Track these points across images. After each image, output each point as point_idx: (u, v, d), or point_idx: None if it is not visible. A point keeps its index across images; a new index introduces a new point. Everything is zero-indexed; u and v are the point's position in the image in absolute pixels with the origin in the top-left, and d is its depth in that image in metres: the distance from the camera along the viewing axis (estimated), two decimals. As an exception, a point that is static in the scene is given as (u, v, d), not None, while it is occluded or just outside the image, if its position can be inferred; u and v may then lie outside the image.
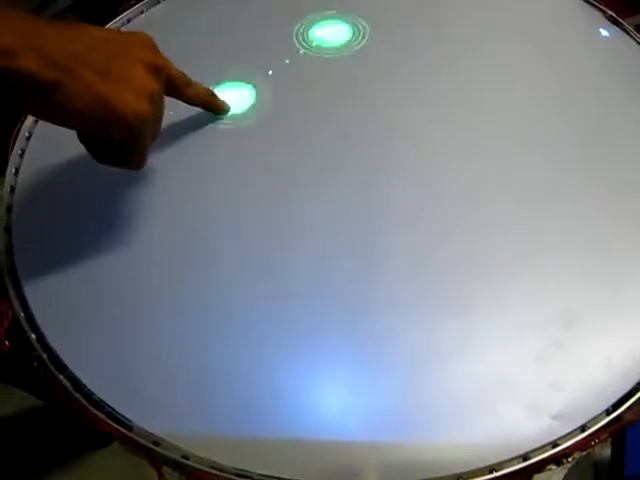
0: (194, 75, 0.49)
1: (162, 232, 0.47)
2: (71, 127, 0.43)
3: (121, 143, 0.43)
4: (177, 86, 0.48)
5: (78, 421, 0.40)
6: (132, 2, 0.60)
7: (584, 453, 0.38)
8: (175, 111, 0.51)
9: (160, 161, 0.50)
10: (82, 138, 0.45)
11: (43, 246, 0.47)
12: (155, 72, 0.44)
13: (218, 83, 0.54)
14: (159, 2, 0.61)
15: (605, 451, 0.84)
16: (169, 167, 0.50)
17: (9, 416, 0.82)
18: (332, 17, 0.58)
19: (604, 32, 0.57)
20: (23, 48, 0.39)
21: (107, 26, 0.58)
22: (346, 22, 0.58)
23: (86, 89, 0.40)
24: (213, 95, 0.52)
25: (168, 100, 0.46)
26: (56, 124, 0.42)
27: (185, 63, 0.48)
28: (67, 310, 0.44)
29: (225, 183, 0.49)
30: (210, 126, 0.52)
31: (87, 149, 0.45)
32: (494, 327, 0.42)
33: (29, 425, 0.81)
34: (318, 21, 0.58)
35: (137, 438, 0.40)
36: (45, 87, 0.40)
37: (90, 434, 0.40)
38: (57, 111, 0.41)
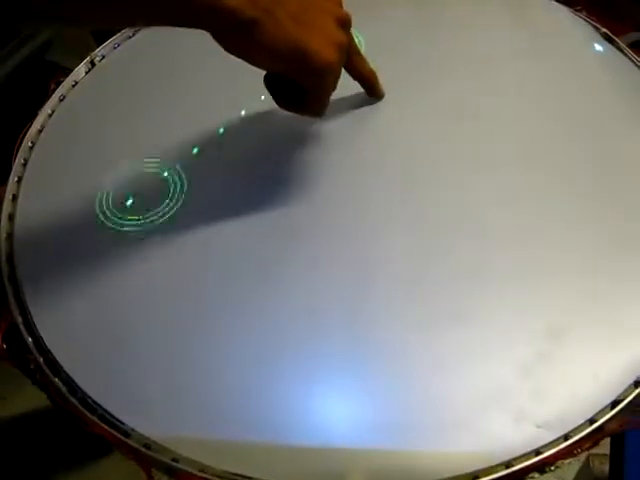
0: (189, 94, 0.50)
1: (161, 236, 0.48)
2: (261, 66, 0.45)
3: (306, 88, 0.46)
4: (349, 51, 0.48)
5: (71, 423, 0.41)
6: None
7: (567, 461, 0.39)
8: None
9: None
10: (268, 82, 0.48)
11: (43, 254, 0.48)
12: (342, 26, 0.46)
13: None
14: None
15: (605, 466, 0.84)
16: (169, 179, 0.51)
17: (12, 416, 0.83)
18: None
19: (598, 49, 0.58)
20: None
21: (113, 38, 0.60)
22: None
23: (282, 30, 0.42)
24: (376, 76, 0.54)
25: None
26: (248, 61, 0.44)
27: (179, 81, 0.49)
28: (64, 315, 0.45)
29: (231, 186, 0.50)
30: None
31: (271, 93, 0.48)
32: (481, 337, 0.43)
33: (32, 427, 0.82)
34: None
35: (128, 441, 0.40)
36: (245, 25, 0.41)
37: (91, 441, 0.41)
38: (252, 48, 0.43)
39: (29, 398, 0.80)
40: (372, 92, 0.55)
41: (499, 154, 0.52)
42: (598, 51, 0.59)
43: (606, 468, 0.83)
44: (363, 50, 0.56)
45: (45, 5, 0.38)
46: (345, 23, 0.46)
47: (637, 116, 0.54)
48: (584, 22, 0.60)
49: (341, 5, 0.47)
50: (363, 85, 0.54)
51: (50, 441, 0.81)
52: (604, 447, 0.78)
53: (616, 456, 0.80)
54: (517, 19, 0.61)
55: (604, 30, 0.59)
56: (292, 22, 0.43)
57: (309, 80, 0.45)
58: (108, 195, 0.49)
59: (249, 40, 0.42)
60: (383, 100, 0.55)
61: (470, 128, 0.53)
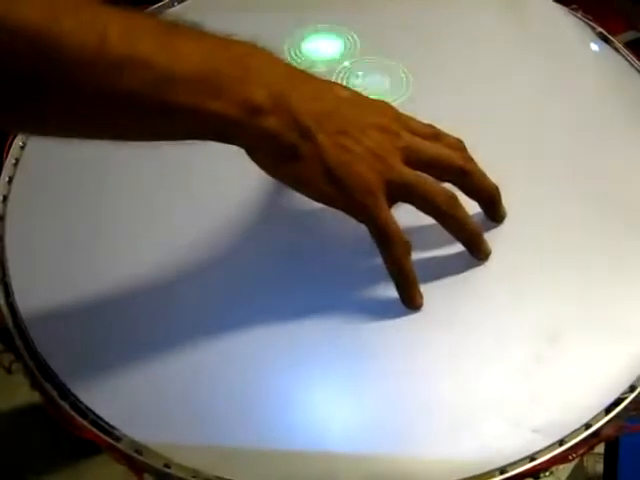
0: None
1: (156, 242, 0.48)
2: (297, 191, 0.42)
3: (354, 216, 0.42)
4: (424, 163, 0.43)
5: (62, 427, 0.41)
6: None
7: (561, 467, 0.39)
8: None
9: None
10: None
11: (35, 257, 0.48)
12: (391, 135, 0.42)
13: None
14: (173, 5, 0.62)
15: (598, 466, 0.84)
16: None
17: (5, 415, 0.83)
18: (324, 30, 0.59)
19: (593, 48, 0.58)
20: (273, 108, 0.39)
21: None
22: (338, 35, 0.58)
23: (318, 158, 0.40)
24: (497, 191, 0.46)
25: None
26: (281, 181, 0.42)
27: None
28: (56, 319, 0.45)
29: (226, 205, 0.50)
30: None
31: None
32: (476, 341, 0.43)
33: (23, 424, 0.81)
34: (310, 34, 0.58)
35: (120, 446, 0.40)
36: (280, 149, 0.40)
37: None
38: (285, 173, 0.41)
39: (19, 396, 0.80)
40: (495, 218, 0.48)
41: (495, 155, 0.51)
42: (594, 50, 0.58)
43: (600, 467, 0.83)
44: (358, 50, 0.56)
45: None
46: (392, 133, 0.42)
47: (633, 115, 0.54)
48: (580, 21, 0.60)
49: (393, 117, 0.43)
50: (486, 208, 0.47)
51: (43, 438, 0.81)
52: (598, 446, 0.78)
53: (610, 455, 0.80)
54: (513, 18, 0.61)
55: (600, 29, 0.59)
56: (331, 144, 0.40)
57: (352, 212, 0.42)
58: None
59: (282, 165, 0.41)
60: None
61: (466, 129, 0.52)
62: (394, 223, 0.42)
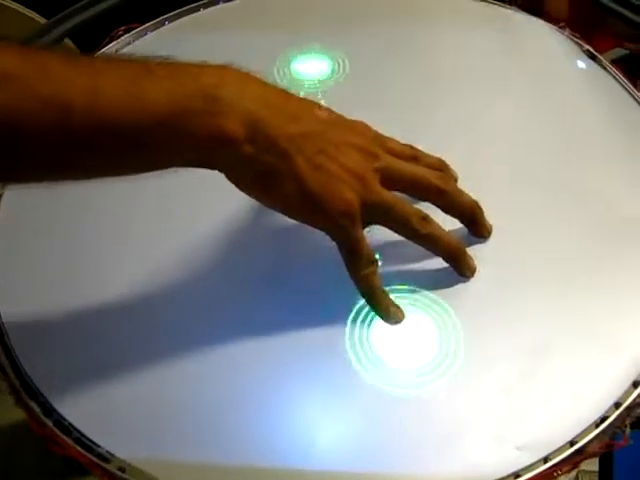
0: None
1: (140, 262, 0.48)
2: (276, 210, 0.43)
3: (330, 235, 0.43)
4: (402, 184, 0.44)
5: (45, 445, 0.41)
6: (120, 32, 0.62)
7: (546, 484, 0.38)
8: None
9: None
10: None
11: (21, 274, 0.48)
12: (369, 156, 0.43)
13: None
14: (146, 34, 0.62)
15: (593, 478, 0.83)
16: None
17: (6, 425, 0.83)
18: (312, 51, 0.59)
19: (581, 66, 0.58)
20: (247, 136, 0.39)
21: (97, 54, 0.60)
22: (326, 56, 0.59)
23: (296, 179, 0.40)
24: (477, 207, 0.46)
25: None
26: (261, 202, 0.43)
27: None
28: (42, 337, 0.45)
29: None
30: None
31: None
32: (461, 357, 0.43)
33: (13, 444, 0.81)
34: (299, 55, 0.59)
35: (103, 464, 0.40)
36: (258, 171, 0.40)
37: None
38: (264, 194, 0.42)
39: (7, 414, 0.80)
40: (477, 232, 0.47)
41: (483, 173, 0.51)
42: (581, 68, 0.59)
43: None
44: (347, 72, 0.55)
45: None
46: (370, 154, 0.43)
47: (620, 132, 0.54)
48: (567, 39, 0.60)
49: (371, 138, 0.44)
50: (467, 224, 0.47)
51: (32, 457, 0.80)
52: (593, 464, 0.78)
53: (605, 473, 0.80)
54: (500, 36, 0.61)
55: (587, 47, 0.59)
56: (309, 167, 0.40)
57: (329, 231, 0.42)
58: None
59: (261, 186, 0.41)
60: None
61: (455, 148, 0.52)
62: (365, 244, 0.43)
